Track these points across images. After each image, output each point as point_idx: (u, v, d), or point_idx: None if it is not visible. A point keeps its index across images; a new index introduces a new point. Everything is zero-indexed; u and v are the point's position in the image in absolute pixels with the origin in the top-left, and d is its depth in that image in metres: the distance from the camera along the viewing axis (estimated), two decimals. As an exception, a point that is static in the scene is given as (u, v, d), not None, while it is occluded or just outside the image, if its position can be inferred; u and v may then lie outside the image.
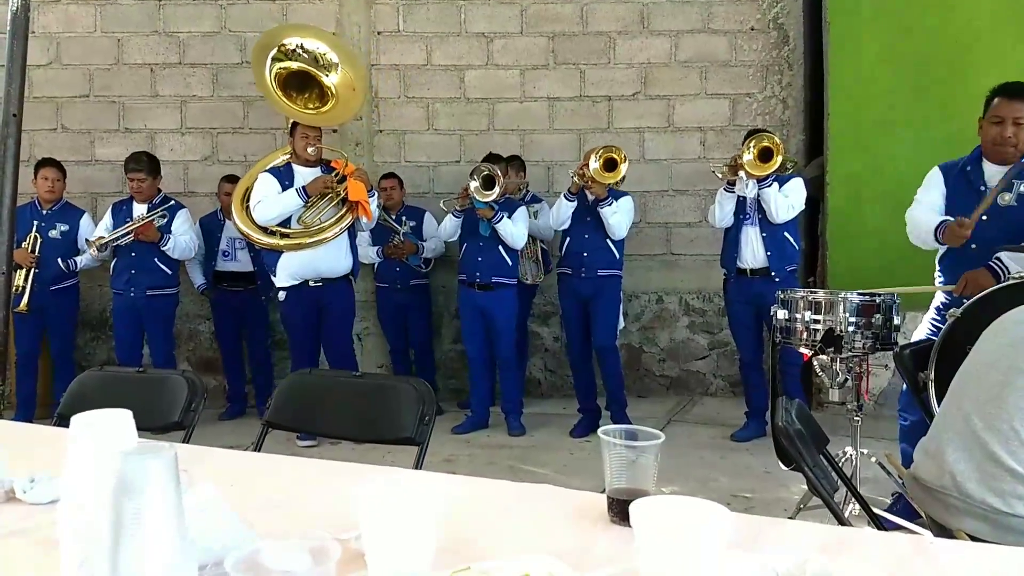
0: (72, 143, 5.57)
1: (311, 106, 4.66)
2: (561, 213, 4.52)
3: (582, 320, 4.60)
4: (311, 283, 4.35)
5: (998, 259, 2.91)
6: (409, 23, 5.57)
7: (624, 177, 4.53)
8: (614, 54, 5.55)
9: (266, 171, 4.44)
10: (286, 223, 4.32)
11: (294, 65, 4.59)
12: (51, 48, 5.56)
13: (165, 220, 4.75)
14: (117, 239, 4.66)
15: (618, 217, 4.40)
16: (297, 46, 4.61)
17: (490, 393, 4.79)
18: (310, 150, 4.36)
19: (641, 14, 5.52)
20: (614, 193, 4.47)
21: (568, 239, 4.58)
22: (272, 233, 4.33)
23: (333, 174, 4.36)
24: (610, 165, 4.37)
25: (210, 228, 5.11)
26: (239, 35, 5.56)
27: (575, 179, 4.48)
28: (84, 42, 5.58)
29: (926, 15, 4.90)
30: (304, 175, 4.36)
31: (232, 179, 5.00)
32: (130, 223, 4.67)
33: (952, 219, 2.97)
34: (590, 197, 4.41)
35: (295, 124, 4.49)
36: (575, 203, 4.49)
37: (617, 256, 4.53)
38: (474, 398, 4.76)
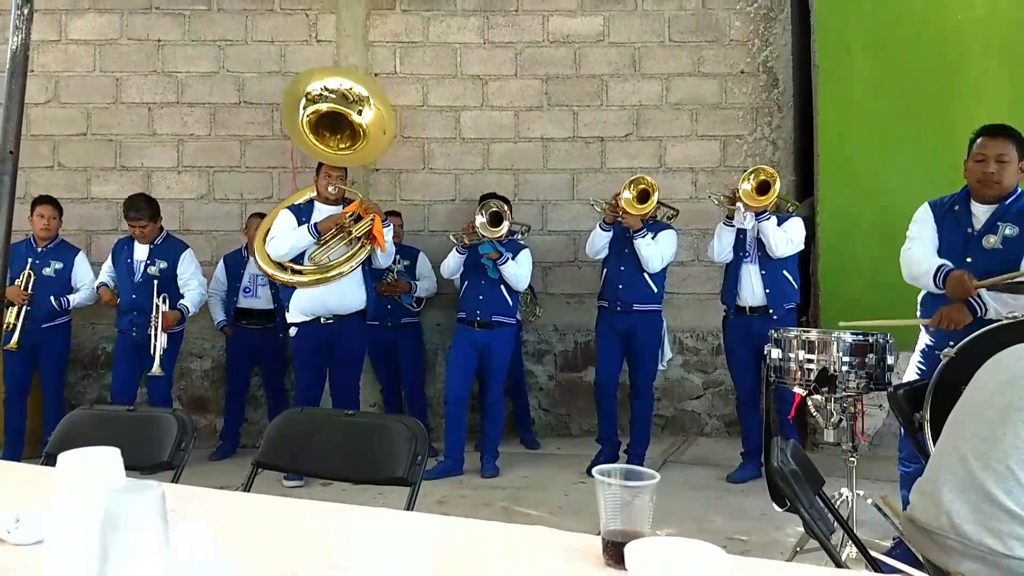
0: (68, 181, 5.59)
1: (343, 146, 4.77)
2: (595, 243, 4.55)
3: (616, 355, 4.57)
4: (323, 320, 4.35)
5: (977, 295, 2.93)
6: (406, 65, 5.66)
7: (676, 211, 4.68)
8: (606, 96, 5.63)
9: (286, 208, 4.48)
10: (299, 260, 4.34)
11: (323, 107, 4.68)
12: (50, 87, 5.61)
13: (166, 267, 4.76)
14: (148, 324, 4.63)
15: (652, 249, 4.38)
16: (321, 89, 4.73)
17: (465, 436, 4.62)
18: (330, 189, 4.40)
19: (633, 58, 5.62)
20: (657, 225, 4.50)
21: (605, 271, 4.59)
22: (284, 269, 4.36)
23: (346, 212, 4.36)
24: (643, 196, 4.40)
25: (234, 265, 5.13)
26: (237, 75, 5.63)
27: (599, 209, 4.52)
28: (83, 81, 5.64)
29: (914, 52, 4.99)
30: (323, 213, 4.39)
31: (261, 216, 5.01)
32: (153, 318, 4.61)
33: (951, 265, 2.99)
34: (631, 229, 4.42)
35: (320, 163, 4.54)
36: (610, 233, 4.50)
37: (655, 290, 4.49)
38: (449, 441, 4.56)
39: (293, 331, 4.40)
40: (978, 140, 3.07)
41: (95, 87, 5.64)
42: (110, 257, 4.87)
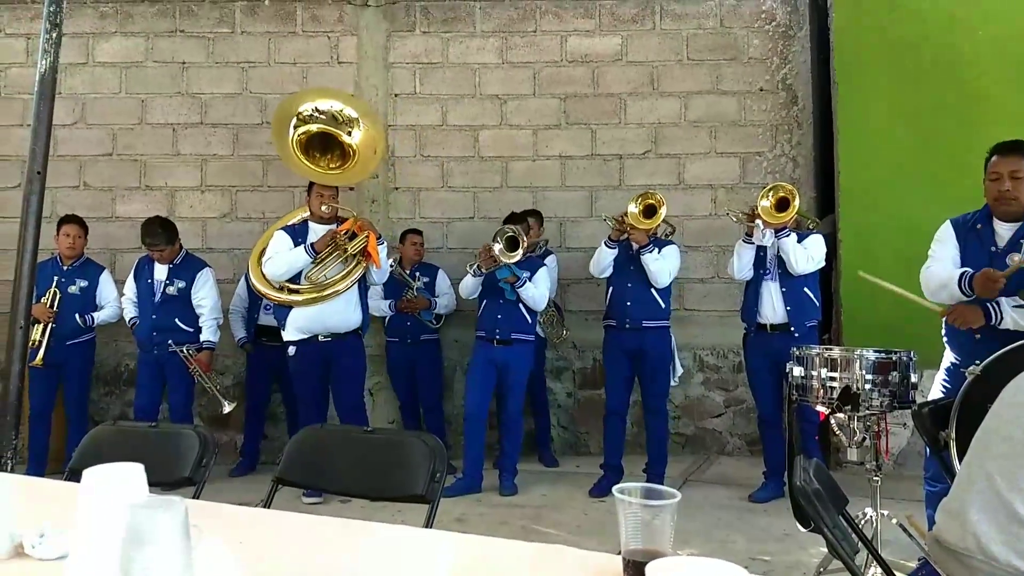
0: (94, 200, 5.69)
1: (333, 165, 4.77)
2: (601, 261, 4.53)
3: (627, 375, 4.54)
4: (320, 338, 4.37)
5: (995, 301, 2.91)
6: (425, 85, 5.71)
7: (673, 228, 4.69)
8: (625, 115, 5.65)
9: (281, 229, 4.52)
10: (295, 279, 4.36)
11: (314, 128, 4.71)
12: (77, 108, 5.72)
13: (185, 286, 4.82)
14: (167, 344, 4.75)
15: (660, 264, 4.38)
16: (312, 110, 4.74)
17: (483, 453, 4.59)
18: (323, 208, 4.43)
19: (651, 76, 5.64)
20: (659, 242, 4.50)
21: (611, 289, 4.57)
22: (281, 289, 4.38)
23: (341, 230, 4.38)
24: (649, 211, 4.40)
25: None
26: (260, 96, 5.71)
27: (610, 224, 4.53)
28: (109, 103, 5.74)
29: (934, 71, 4.97)
30: (318, 232, 4.42)
31: None
32: (192, 371, 4.75)
33: (972, 270, 2.97)
34: (635, 245, 4.43)
35: (312, 184, 4.57)
36: (616, 251, 4.50)
37: (663, 306, 4.48)
38: (467, 458, 4.54)
39: (291, 350, 4.42)
40: (992, 158, 3.06)
41: (121, 109, 5.74)
42: (131, 279, 4.93)
